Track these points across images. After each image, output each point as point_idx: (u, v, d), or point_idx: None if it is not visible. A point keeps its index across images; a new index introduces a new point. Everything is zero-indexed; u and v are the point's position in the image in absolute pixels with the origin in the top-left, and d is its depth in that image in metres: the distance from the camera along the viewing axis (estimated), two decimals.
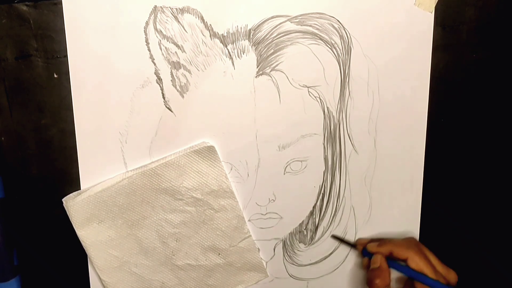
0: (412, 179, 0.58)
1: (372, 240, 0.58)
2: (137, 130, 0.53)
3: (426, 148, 0.57)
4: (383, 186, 0.58)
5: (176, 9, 0.49)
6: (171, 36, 0.50)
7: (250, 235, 0.57)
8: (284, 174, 0.56)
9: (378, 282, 0.52)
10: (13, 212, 0.55)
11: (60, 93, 0.51)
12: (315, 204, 0.58)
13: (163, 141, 0.53)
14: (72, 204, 0.53)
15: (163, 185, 0.54)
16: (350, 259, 0.60)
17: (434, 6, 0.53)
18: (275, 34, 0.51)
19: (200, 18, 0.50)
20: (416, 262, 0.52)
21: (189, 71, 0.51)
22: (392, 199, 0.59)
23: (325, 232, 0.59)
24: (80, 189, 0.54)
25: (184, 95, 0.52)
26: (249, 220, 0.57)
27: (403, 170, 0.58)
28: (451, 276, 0.52)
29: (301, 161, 0.56)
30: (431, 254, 0.53)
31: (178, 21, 0.50)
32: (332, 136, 0.56)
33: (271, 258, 0.59)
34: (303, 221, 0.58)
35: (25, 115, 0.52)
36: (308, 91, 0.53)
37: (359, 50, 0.53)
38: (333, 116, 0.55)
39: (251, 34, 0.51)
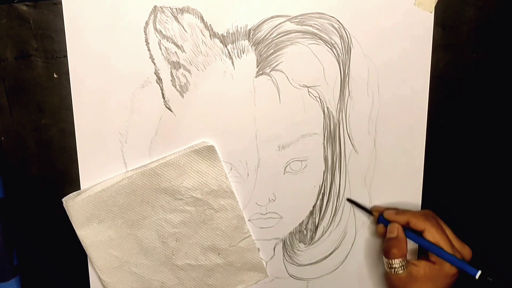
0: (412, 179, 0.58)
1: (388, 208, 0.57)
2: (137, 130, 0.53)
3: (426, 148, 0.57)
4: (383, 186, 0.58)
5: (176, 9, 0.49)
6: (171, 36, 0.50)
7: (250, 235, 0.57)
8: (284, 174, 0.56)
9: (396, 252, 0.51)
10: (13, 212, 0.55)
11: (60, 93, 0.51)
12: (315, 204, 0.58)
13: (163, 141, 0.53)
14: (72, 204, 0.53)
15: (163, 185, 0.54)
16: (350, 260, 0.60)
17: (434, 6, 0.53)
18: (275, 34, 0.51)
19: (200, 18, 0.50)
20: (433, 234, 0.51)
21: (189, 71, 0.51)
22: (392, 199, 0.59)
23: (325, 232, 0.59)
24: (80, 189, 0.54)
25: (184, 95, 0.52)
26: (249, 220, 0.57)
27: (403, 170, 0.58)
28: (466, 252, 0.52)
29: (301, 161, 0.56)
30: (448, 228, 0.53)
31: (178, 21, 0.50)
32: (332, 136, 0.56)
33: (271, 258, 0.59)
34: (303, 221, 0.59)
35: (25, 115, 0.52)
36: (308, 91, 0.53)
37: (359, 50, 0.53)
38: (333, 116, 0.55)
39: (251, 34, 0.51)
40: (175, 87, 0.52)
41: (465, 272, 0.50)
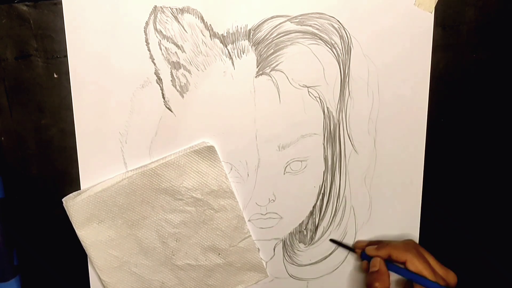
0: (412, 179, 0.58)
1: (370, 243, 0.58)
2: (137, 130, 0.53)
3: (426, 148, 0.57)
4: (383, 186, 0.58)
5: (176, 9, 0.49)
6: (171, 36, 0.50)
7: (250, 235, 0.57)
8: (284, 174, 0.56)
9: (378, 285, 0.52)
10: (13, 212, 0.55)
11: (60, 93, 0.51)
12: (315, 204, 0.58)
13: (163, 141, 0.53)
14: (72, 204, 0.53)
15: (163, 185, 0.54)
16: (349, 260, 0.60)
17: (434, 6, 0.53)
18: (275, 34, 0.51)
19: (200, 18, 0.50)
20: (415, 264, 0.52)
21: (189, 71, 0.51)
22: (392, 199, 0.59)
23: (325, 232, 0.59)
24: (80, 189, 0.54)
25: (184, 95, 0.52)
26: (249, 220, 0.57)
27: (403, 170, 0.58)
28: (450, 277, 0.53)
29: (301, 161, 0.56)
30: (430, 256, 0.53)
31: (178, 21, 0.50)
32: (332, 136, 0.56)
33: (271, 258, 0.59)
34: (303, 221, 0.58)
35: (25, 115, 0.52)
36: (308, 91, 0.53)
37: (359, 50, 0.53)
38: (333, 116, 0.55)
39: (251, 34, 0.51)
40: (175, 87, 0.52)
41: None
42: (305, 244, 0.59)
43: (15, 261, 0.57)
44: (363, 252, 0.57)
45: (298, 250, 0.60)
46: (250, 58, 0.52)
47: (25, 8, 0.48)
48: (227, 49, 0.51)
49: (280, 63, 0.52)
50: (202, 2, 0.49)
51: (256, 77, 0.52)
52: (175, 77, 0.51)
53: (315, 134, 0.55)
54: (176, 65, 0.51)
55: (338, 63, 0.53)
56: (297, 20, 0.51)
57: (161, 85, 0.52)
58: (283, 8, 0.51)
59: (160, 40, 0.50)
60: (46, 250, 0.56)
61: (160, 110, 0.52)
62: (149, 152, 0.53)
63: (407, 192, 0.59)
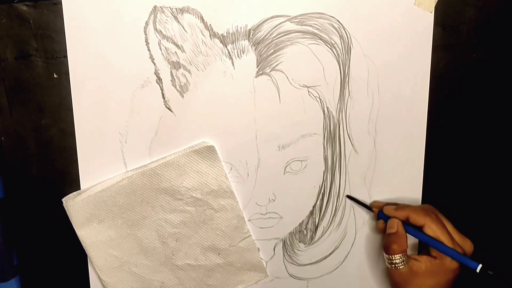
0: (412, 179, 0.58)
1: (388, 204, 0.57)
2: (137, 130, 0.53)
3: (426, 148, 0.57)
4: (383, 186, 0.58)
5: (176, 9, 0.49)
6: (171, 36, 0.50)
7: (250, 235, 0.57)
8: (284, 174, 0.56)
9: (396, 248, 0.51)
10: (13, 212, 0.55)
11: (60, 93, 0.51)
12: (315, 204, 0.58)
13: (163, 141, 0.53)
14: (72, 204, 0.53)
15: (163, 185, 0.54)
16: (350, 259, 0.60)
17: (434, 6, 0.53)
18: (275, 34, 0.51)
19: (200, 18, 0.50)
20: (433, 229, 0.51)
21: (189, 71, 0.51)
22: (392, 199, 0.58)
23: (325, 231, 0.59)
24: (80, 189, 0.54)
25: (184, 95, 0.52)
26: (249, 220, 0.57)
27: (403, 170, 0.58)
28: (467, 245, 0.52)
29: (301, 161, 0.56)
30: (448, 222, 0.52)
31: (178, 21, 0.50)
32: (332, 136, 0.56)
33: (271, 258, 0.59)
34: (303, 221, 0.59)
35: (25, 115, 0.52)
36: (308, 91, 0.53)
37: (359, 50, 0.53)
38: (333, 116, 0.55)
39: (251, 34, 0.51)
40: (175, 87, 0.52)
41: (466, 266, 0.50)
42: (305, 244, 0.59)
43: (15, 261, 0.57)
44: (380, 211, 0.55)
45: (298, 250, 0.60)
46: (250, 58, 0.52)
47: (25, 8, 0.48)
48: (227, 49, 0.51)
49: (280, 63, 0.52)
50: (202, 2, 0.49)
51: (256, 77, 0.52)
52: (175, 77, 0.51)
53: (315, 134, 0.55)
54: (176, 65, 0.51)
55: (338, 63, 0.53)
56: (297, 20, 0.51)
57: (161, 85, 0.52)
58: (283, 8, 0.51)
59: (160, 40, 0.50)
60: (46, 250, 0.56)
61: (160, 110, 0.52)
62: (149, 152, 0.53)
63: (407, 192, 0.59)
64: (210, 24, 0.50)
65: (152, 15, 0.49)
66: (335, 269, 0.61)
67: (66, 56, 0.50)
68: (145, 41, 0.50)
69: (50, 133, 0.53)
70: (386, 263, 0.53)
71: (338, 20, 0.52)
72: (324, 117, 0.55)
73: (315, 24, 0.52)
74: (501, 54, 0.56)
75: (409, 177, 0.58)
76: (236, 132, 0.54)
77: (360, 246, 0.60)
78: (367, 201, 0.58)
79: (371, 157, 0.57)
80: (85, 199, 0.53)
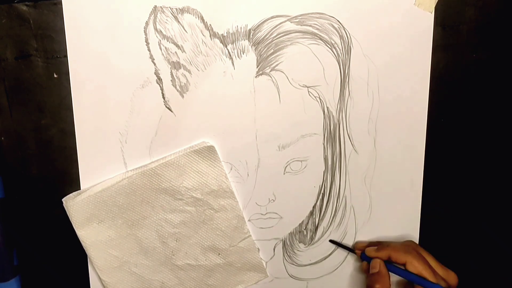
0: (412, 179, 0.58)
1: (370, 244, 0.58)
2: (137, 130, 0.53)
3: (426, 148, 0.57)
4: (383, 186, 0.58)
5: (176, 9, 0.49)
6: (171, 36, 0.50)
7: (250, 235, 0.57)
8: (284, 174, 0.56)
9: (378, 287, 0.52)
10: (13, 212, 0.55)
11: (60, 93, 0.51)
12: (315, 204, 0.58)
13: (163, 141, 0.53)
14: (72, 204, 0.53)
15: (163, 185, 0.54)
16: (349, 261, 0.60)
17: (434, 6, 0.53)
18: (275, 34, 0.51)
19: (200, 18, 0.50)
20: (415, 266, 0.52)
21: (189, 71, 0.51)
22: (392, 199, 0.59)
23: (325, 232, 0.59)
24: (80, 189, 0.54)
25: (184, 95, 0.52)
26: (249, 220, 0.57)
27: (403, 170, 0.58)
28: (451, 278, 0.52)
29: (301, 161, 0.56)
30: (430, 257, 0.53)
31: (178, 21, 0.50)
32: (332, 136, 0.55)
33: (271, 258, 0.59)
34: (303, 221, 0.58)
35: (25, 115, 0.52)
36: (308, 91, 0.53)
37: (359, 50, 0.53)
38: (333, 116, 0.55)
39: (251, 34, 0.51)
40: (175, 87, 0.52)
41: None
42: (305, 244, 0.59)
43: (15, 261, 0.57)
44: (363, 253, 0.57)
45: (298, 250, 0.60)
46: (250, 58, 0.52)
47: (25, 8, 0.49)
48: (227, 49, 0.51)
49: (280, 63, 0.52)
50: (202, 2, 0.49)
51: (256, 77, 0.52)
52: (175, 77, 0.51)
53: (315, 134, 0.55)
54: (176, 65, 0.51)
55: (338, 63, 0.53)
56: (297, 20, 0.51)
57: (161, 85, 0.52)
58: (283, 8, 0.51)
59: (160, 40, 0.50)
60: (46, 250, 0.56)
61: (160, 110, 0.52)
62: (149, 152, 0.53)
63: (407, 192, 0.59)
64: (210, 24, 0.50)
65: (152, 15, 0.49)
66: (335, 269, 0.61)
67: (66, 56, 0.50)
68: (145, 41, 0.50)
69: (50, 133, 0.53)
70: None
71: (338, 20, 0.52)
72: (324, 117, 0.55)
73: (315, 24, 0.52)
74: (501, 54, 0.56)
75: (409, 177, 0.58)
76: (236, 132, 0.54)
77: None
78: (367, 202, 0.58)
79: (371, 157, 0.57)
80: (85, 199, 0.53)
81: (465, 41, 0.55)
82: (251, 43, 0.51)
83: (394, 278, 0.54)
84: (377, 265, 0.54)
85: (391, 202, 0.59)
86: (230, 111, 0.53)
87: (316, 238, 0.59)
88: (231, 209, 0.56)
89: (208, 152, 0.53)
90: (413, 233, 0.60)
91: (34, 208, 0.55)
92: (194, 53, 0.51)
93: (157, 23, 0.50)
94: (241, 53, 0.51)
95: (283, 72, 0.52)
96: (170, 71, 0.51)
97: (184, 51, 0.51)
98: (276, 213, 0.57)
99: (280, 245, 0.59)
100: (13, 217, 0.55)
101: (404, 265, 0.53)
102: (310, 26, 0.51)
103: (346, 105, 0.55)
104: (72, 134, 0.52)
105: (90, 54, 0.50)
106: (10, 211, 0.55)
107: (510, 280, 0.59)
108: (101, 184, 0.53)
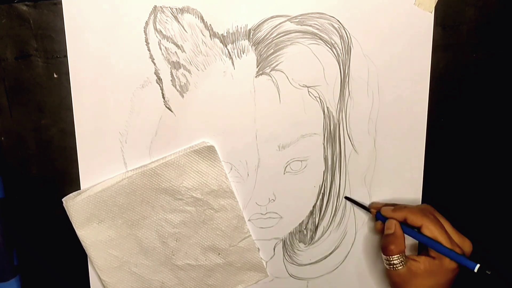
0: (412, 179, 0.58)
1: (386, 205, 0.57)
2: (137, 130, 0.53)
3: (426, 148, 0.57)
4: (383, 186, 0.58)
5: (176, 9, 0.49)
6: (171, 36, 0.50)
7: (250, 235, 0.57)
8: (284, 174, 0.56)
9: (393, 248, 0.51)
10: (13, 212, 0.55)
11: (60, 93, 0.51)
12: (315, 204, 0.58)
13: (163, 141, 0.53)
14: (72, 204, 0.53)
15: (163, 185, 0.54)
16: (350, 259, 0.60)
17: (434, 6, 0.53)
18: (275, 34, 0.51)
19: (200, 18, 0.50)
20: (431, 229, 0.51)
21: (189, 71, 0.51)
22: (392, 199, 0.59)
23: (325, 231, 0.59)
24: (80, 189, 0.54)
25: (184, 95, 0.52)
26: (249, 220, 0.57)
27: (403, 170, 0.58)
28: (466, 245, 0.52)
29: (301, 161, 0.56)
30: (447, 222, 0.52)
31: (178, 21, 0.50)
32: (332, 136, 0.56)
33: (271, 258, 0.59)
34: (303, 221, 0.59)
35: (25, 115, 0.52)
36: (308, 91, 0.53)
37: (359, 50, 0.53)
38: (333, 116, 0.55)
39: (251, 34, 0.51)
40: (175, 87, 0.52)
41: (464, 266, 0.50)
42: (305, 244, 0.59)
43: (15, 261, 0.57)
44: (378, 212, 0.56)
45: (298, 250, 0.60)
46: (250, 58, 0.52)
47: (25, 8, 0.48)
48: (227, 49, 0.51)
49: (280, 63, 0.52)
50: (202, 2, 0.49)
51: (256, 77, 0.52)
52: (175, 77, 0.51)
53: (315, 134, 0.55)
54: (176, 65, 0.51)
55: (338, 63, 0.53)
56: (297, 20, 0.51)
57: (161, 85, 0.52)
58: (283, 8, 0.51)
59: (160, 40, 0.50)
60: (46, 250, 0.56)
61: (160, 110, 0.52)
62: (149, 152, 0.53)
63: (407, 192, 0.59)
64: (210, 24, 0.50)
65: (152, 15, 0.49)
66: (335, 269, 0.61)
67: (66, 56, 0.50)
68: (145, 41, 0.50)
69: (50, 133, 0.53)
70: (385, 264, 0.53)
71: (338, 20, 0.52)
72: (324, 117, 0.55)
73: (315, 24, 0.52)
74: (501, 54, 0.56)
75: (409, 177, 0.58)
76: (236, 132, 0.54)
77: (360, 246, 0.60)
78: (367, 201, 0.58)
79: (371, 157, 0.57)
80: (85, 199, 0.53)
81: (465, 41, 0.55)
82: (251, 43, 0.51)
83: (408, 241, 0.53)
84: (393, 226, 0.53)
85: (391, 202, 0.59)
86: (230, 111, 0.53)
87: (316, 237, 0.59)
88: (231, 209, 0.56)
89: (208, 152, 0.53)
90: None
91: (34, 208, 0.55)
92: (194, 53, 0.51)
93: (157, 23, 0.50)
94: (241, 53, 0.51)
95: (283, 72, 0.52)
96: (170, 71, 0.51)
97: (184, 51, 0.51)
98: (276, 213, 0.57)
99: (280, 245, 0.59)
100: (13, 217, 0.55)
101: (419, 228, 0.52)
102: (310, 26, 0.51)
103: (346, 105, 0.55)
104: (72, 134, 0.52)
105: (90, 54, 0.50)
106: (10, 211, 0.55)
107: (509, 280, 0.59)
108: (101, 184, 0.53)
